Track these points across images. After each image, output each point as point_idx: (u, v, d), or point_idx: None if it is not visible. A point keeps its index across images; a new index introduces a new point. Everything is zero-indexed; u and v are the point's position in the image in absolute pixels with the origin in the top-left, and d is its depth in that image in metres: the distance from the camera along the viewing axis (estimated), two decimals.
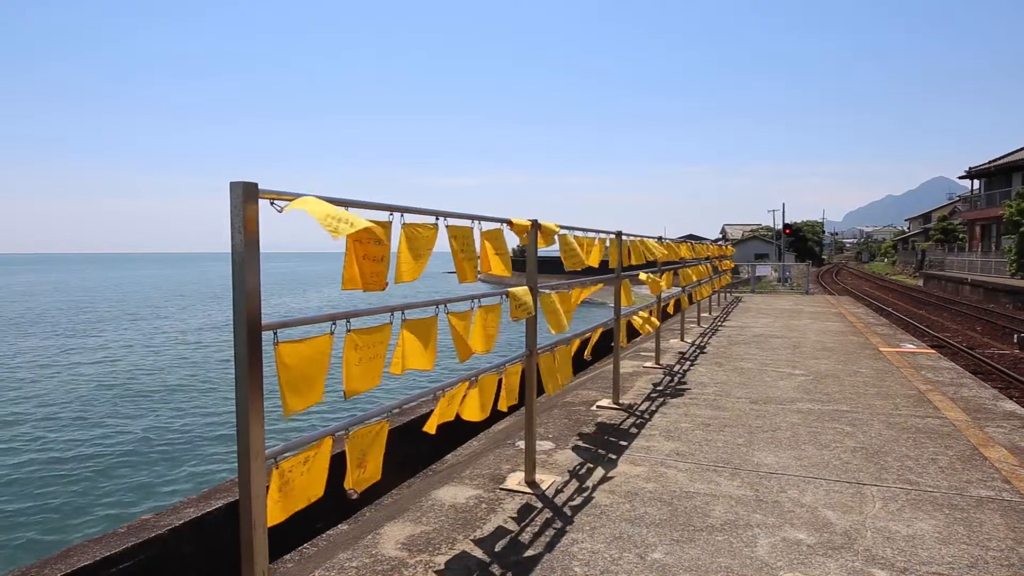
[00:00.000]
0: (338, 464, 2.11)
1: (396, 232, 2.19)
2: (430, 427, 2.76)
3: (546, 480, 3.57)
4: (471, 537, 2.89)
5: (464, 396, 2.91)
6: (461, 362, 2.80)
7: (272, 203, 1.72)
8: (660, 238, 6.80)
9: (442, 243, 2.58)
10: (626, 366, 7.14)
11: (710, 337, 9.52)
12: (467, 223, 2.75)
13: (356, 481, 2.10)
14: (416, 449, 5.09)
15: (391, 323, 2.24)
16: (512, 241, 3.27)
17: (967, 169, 37.91)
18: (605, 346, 7.86)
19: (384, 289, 2.09)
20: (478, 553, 2.74)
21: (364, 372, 2.08)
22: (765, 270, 30.33)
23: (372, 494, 4.01)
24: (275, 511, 1.80)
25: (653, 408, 5.23)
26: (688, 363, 7.31)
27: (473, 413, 2.96)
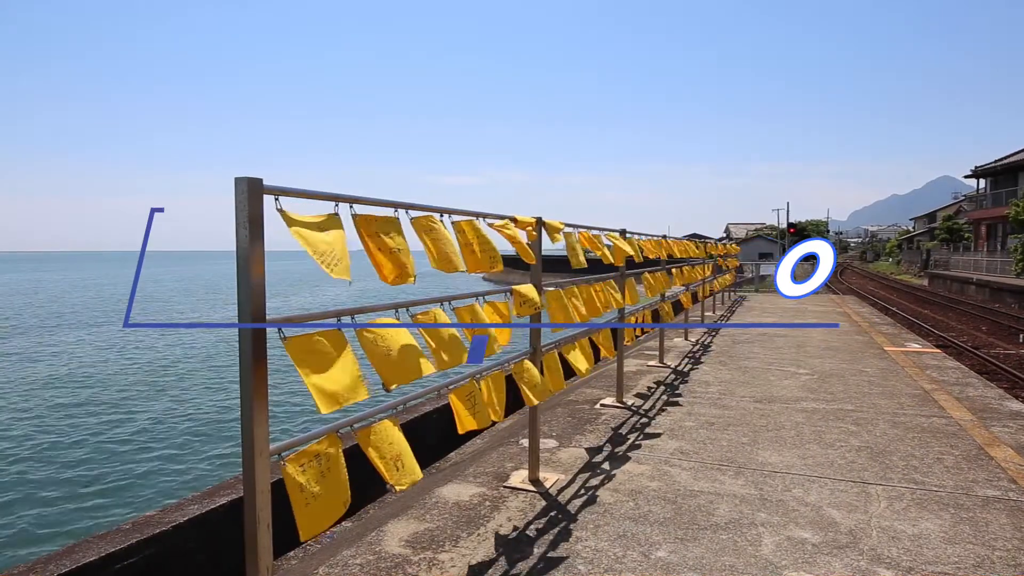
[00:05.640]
0: (352, 462, 2.10)
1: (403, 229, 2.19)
2: (463, 429, 2.74)
3: (550, 478, 3.57)
4: (475, 535, 2.89)
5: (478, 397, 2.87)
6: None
7: (276, 199, 1.71)
8: (664, 236, 6.79)
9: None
10: (630, 365, 7.13)
11: (713, 336, 9.50)
12: (470, 223, 2.75)
13: (396, 477, 2.10)
14: (419, 447, 5.09)
15: (397, 317, 2.23)
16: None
17: (973, 168, 37.73)
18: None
19: (412, 282, 2.11)
20: (482, 551, 2.73)
21: (401, 361, 2.08)
22: (769, 269, 30.25)
23: (376, 492, 4.01)
24: (308, 521, 1.77)
25: (657, 407, 5.22)
26: (692, 362, 7.30)
27: (483, 420, 2.93)
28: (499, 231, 2.93)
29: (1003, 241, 32.97)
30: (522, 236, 3.13)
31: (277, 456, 1.79)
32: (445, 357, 2.40)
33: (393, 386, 2.05)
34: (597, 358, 4.22)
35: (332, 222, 1.87)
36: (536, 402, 3.21)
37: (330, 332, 1.88)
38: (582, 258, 3.87)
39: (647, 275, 6.22)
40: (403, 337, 2.16)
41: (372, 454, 2.06)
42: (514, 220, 3.17)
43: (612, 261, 4.59)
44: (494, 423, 3.11)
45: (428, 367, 2.20)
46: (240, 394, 1.71)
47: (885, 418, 4.80)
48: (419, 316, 2.37)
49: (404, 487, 2.11)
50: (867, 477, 3.57)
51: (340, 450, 1.94)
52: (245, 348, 1.69)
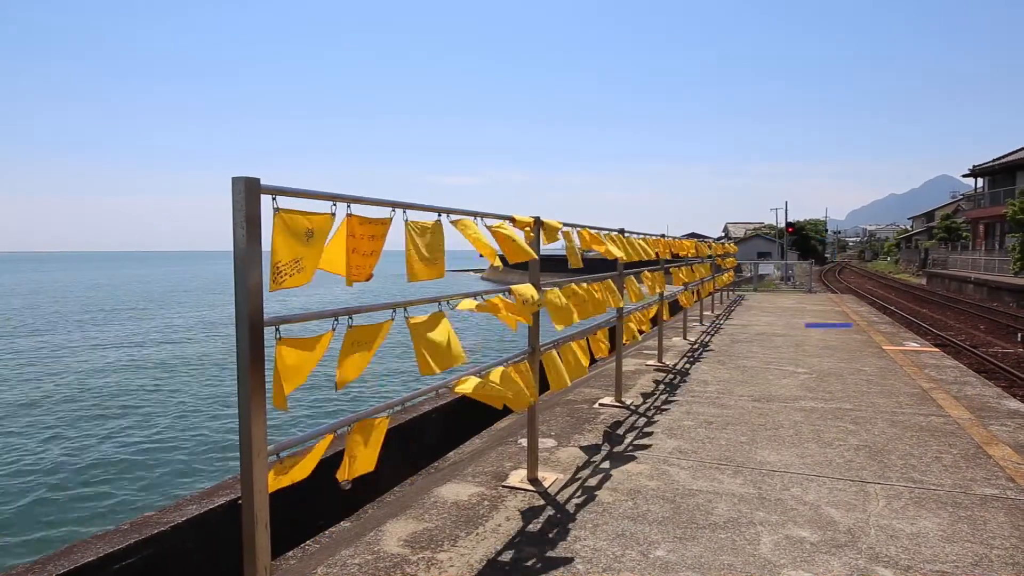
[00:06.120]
0: (339, 461, 2.11)
1: (399, 227, 2.20)
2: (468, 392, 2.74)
3: (548, 477, 3.57)
4: (473, 534, 2.89)
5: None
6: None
7: (274, 199, 1.71)
8: (662, 235, 6.79)
9: (449, 242, 2.58)
10: (628, 364, 7.13)
11: (712, 335, 9.50)
12: (469, 220, 2.75)
13: (349, 472, 2.10)
14: (418, 447, 5.09)
15: (393, 319, 2.23)
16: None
17: (971, 167, 37.77)
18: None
19: (368, 280, 2.10)
20: (480, 550, 2.73)
21: (353, 363, 2.08)
22: (768, 268, 30.31)
23: (374, 491, 4.01)
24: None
25: (655, 406, 5.23)
26: (690, 361, 7.30)
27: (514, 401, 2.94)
28: (494, 233, 2.93)
29: (1001, 240, 33.02)
30: (519, 235, 3.12)
31: (275, 456, 1.79)
32: (432, 362, 2.39)
33: (343, 386, 2.05)
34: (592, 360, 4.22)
35: (323, 226, 1.86)
36: (532, 401, 3.21)
37: (324, 336, 1.89)
38: (579, 258, 3.86)
39: (646, 274, 6.23)
40: (379, 340, 2.16)
41: (350, 449, 2.09)
42: (512, 220, 3.17)
43: (615, 257, 4.57)
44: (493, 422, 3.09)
45: (360, 368, 2.16)
46: (238, 394, 1.71)
47: (883, 417, 4.80)
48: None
49: (344, 479, 2.11)
50: (865, 476, 3.57)
51: (326, 445, 1.97)
52: (243, 348, 1.69)
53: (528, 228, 3.34)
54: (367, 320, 2.14)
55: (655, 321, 6.70)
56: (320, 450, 1.97)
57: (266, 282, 1.70)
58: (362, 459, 2.15)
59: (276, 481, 1.82)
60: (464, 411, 5.66)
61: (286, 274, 1.75)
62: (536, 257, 3.25)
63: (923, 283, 36.21)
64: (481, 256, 2.80)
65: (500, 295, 3.02)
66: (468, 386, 2.70)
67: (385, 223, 2.13)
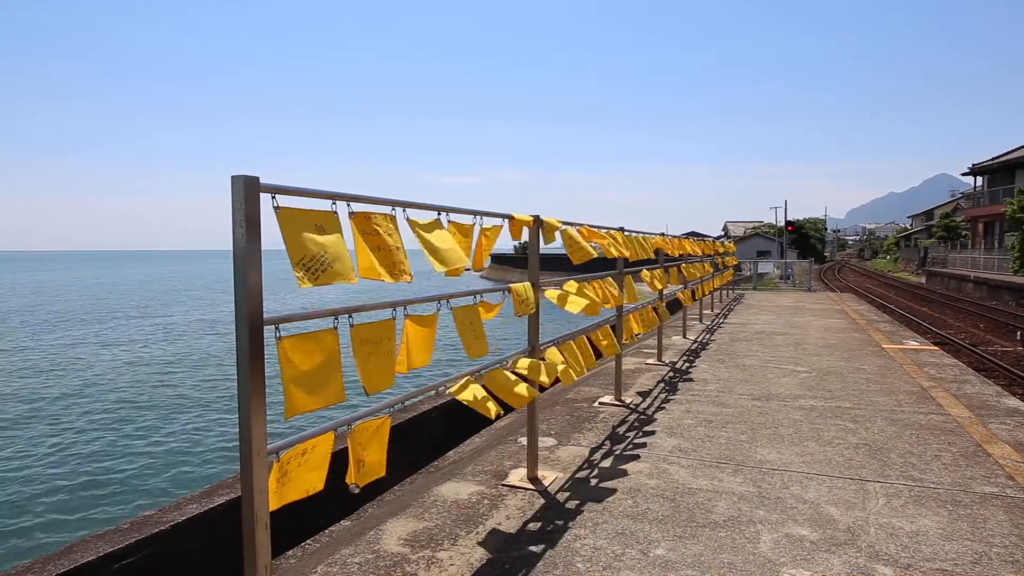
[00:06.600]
0: (341, 460, 2.11)
1: (401, 226, 2.20)
2: (461, 396, 2.73)
3: (548, 476, 3.57)
4: (473, 533, 2.89)
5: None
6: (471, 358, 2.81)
7: (273, 198, 1.71)
8: (662, 234, 6.79)
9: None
10: (628, 362, 7.13)
11: (712, 334, 9.50)
12: (469, 219, 2.75)
13: (357, 476, 2.10)
14: (418, 446, 5.09)
15: (394, 318, 2.23)
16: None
17: (970, 166, 37.77)
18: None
19: (409, 280, 2.09)
20: (480, 549, 2.73)
21: (379, 367, 2.07)
22: (767, 267, 30.32)
23: (374, 491, 4.01)
24: (271, 500, 1.80)
25: (655, 404, 5.23)
26: (690, 360, 7.30)
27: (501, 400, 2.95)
28: (484, 237, 2.94)
29: (1000, 238, 33.03)
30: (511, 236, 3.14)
31: (275, 455, 1.79)
32: (414, 361, 2.39)
33: (372, 391, 2.05)
34: (598, 355, 4.21)
35: (331, 221, 1.86)
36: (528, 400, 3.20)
37: (322, 333, 1.88)
38: (589, 249, 3.80)
39: (645, 272, 6.22)
40: (388, 341, 2.15)
41: (349, 452, 2.09)
42: (511, 218, 3.18)
43: (615, 255, 4.55)
44: (496, 418, 3.09)
45: (386, 370, 2.14)
46: (238, 393, 1.71)
47: (883, 415, 4.80)
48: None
49: (352, 482, 2.11)
50: (865, 474, 3.57)
51: (330, 446, 1.96)
52: (243, 347, 1.68)
53: (527, 227, 3.34)
54: (369, 319, 2.14)
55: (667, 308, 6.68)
56: (326, 459, 1.96)
57: (267, 283, 1.70)
58: (371, 464, 2.14)
59: (282, 495, 1.82)
60: (464, 410, 5.64)
61: (318, 270, 1.74)
62: (481, 267, 3.20)
63: (922, 281, 36.22)
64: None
65: (484, 300, 3.00)
66: (467, 394, 2.70)
67: (391, 219, 2.14)
